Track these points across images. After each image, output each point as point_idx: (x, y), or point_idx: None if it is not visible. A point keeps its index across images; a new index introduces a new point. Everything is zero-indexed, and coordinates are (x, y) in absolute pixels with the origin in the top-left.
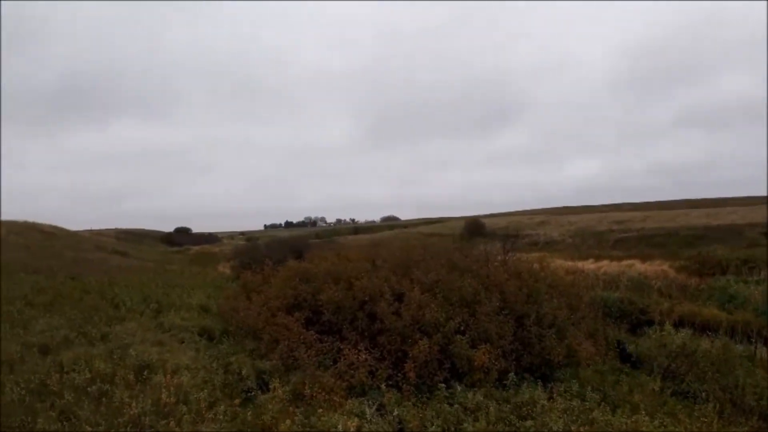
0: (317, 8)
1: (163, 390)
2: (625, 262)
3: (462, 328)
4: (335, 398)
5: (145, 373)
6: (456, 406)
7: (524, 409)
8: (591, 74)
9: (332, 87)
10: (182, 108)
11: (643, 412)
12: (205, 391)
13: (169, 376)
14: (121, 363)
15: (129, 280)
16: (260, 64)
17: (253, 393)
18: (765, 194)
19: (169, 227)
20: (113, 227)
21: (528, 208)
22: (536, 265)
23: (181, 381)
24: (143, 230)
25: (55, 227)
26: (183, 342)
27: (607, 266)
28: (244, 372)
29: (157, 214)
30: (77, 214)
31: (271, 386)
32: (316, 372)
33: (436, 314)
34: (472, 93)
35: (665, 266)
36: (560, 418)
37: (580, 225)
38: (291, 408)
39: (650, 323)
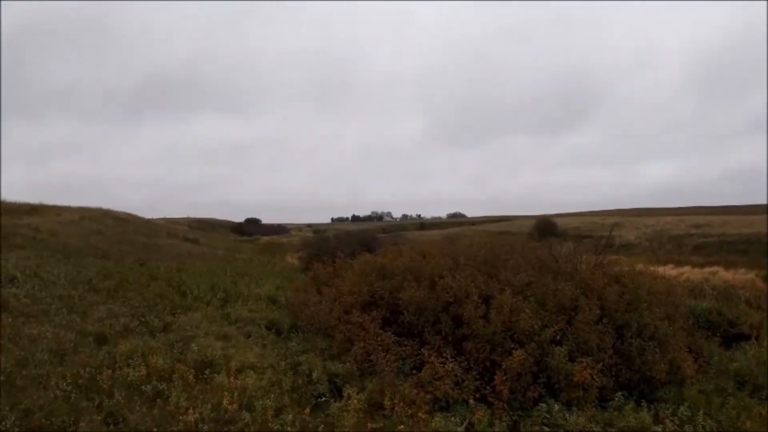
0: (394, 9)
1: (225, 393)
2: (707, 269)
3: (558, 337)
4: (419, 413)
5: (207, 372)
6: None
7: None
8: (668, 74)
9: (408, 86)
10: (259, 104)
11: None
12: (272, 395)
13: (232, 378)
14: (182, 358)
15: (198, 267)
16: (337, 64)
17: (324, 399)
18: None
19: (240, 218)
20: (187, 216)
21: (599, 209)
22: (636, 268)
23: (245, 383)
24: (215, 220)
25: (130, 214)
26: (249, 336)
27: (689, 272)
28: (314, 375)
29: (230, 205)
30: (156, 205)
31: (344, 393)
32: (395, 380)
33: (530, 321)
34: (548, 91)
35: (752, 275)
36: None
37: (657, 228)
38: (368, 421)
39: (741, 336)
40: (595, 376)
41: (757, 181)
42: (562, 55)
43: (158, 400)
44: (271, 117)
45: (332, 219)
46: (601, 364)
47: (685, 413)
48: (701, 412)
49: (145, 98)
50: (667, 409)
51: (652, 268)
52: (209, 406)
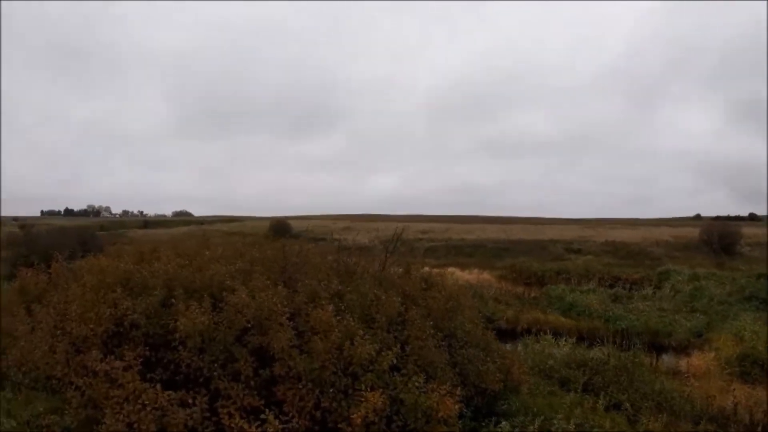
0: None
1: None
2: (445, 270)
3: (394, 361)
4: None
5: None
6: None
7: None
8: (409, 97)
9: (156, 64)
10: None
11: None
12: None
13: None
14: None
15: None
16: (83, 27)
17: None
18: (545, 216)
19: None
20: None
21: (326, 213)
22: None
23: None
24: None
25: None
26: None
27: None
28: None
29: None
30: None
31: None
32: None
33: (366, 346)
34: (298, 97)
35: (485, 274)
36: None
37: (386, 232)
38: None
39: (500, 331)
40: (457, 406)
41: (472, 195)
42: (319, 65)
43: None
44: None
45: (42, 212)
46: (458, 388)
47: (562, 426)
48: (572, 422)
49: None
50: (530, 425)
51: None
52: None
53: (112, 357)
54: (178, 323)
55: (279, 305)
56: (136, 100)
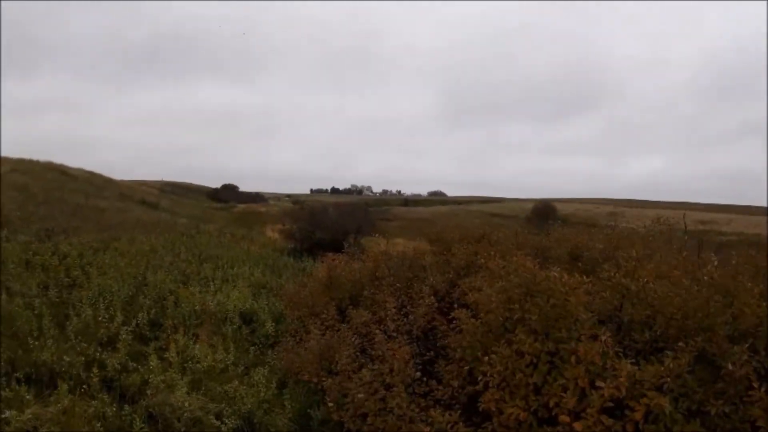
0: None
1: None
2: None
3: None
4: None
5: None
6: None
7: None
8: (679, 77)
9: (421, 62)
10: (266, 72)
11: None
12: None
13: None
14: None
15: (135, 245)
16: (359, 34)
17: None
18: None
19: (218, 184)
20: (161, 179)
21: (581, 196)
22: None
23: None
24: (190, 184)
25: (89, 172)
26: None
27: None
28: None
29: (211, 171)
30: (136, 167)
31: None
32: None
33: None
34: (558, 81)
35: None
36: None
37: (661, 221)
38: None
39: None
40: None
41: (743, 182)
42: (580, 49)
43: None
44: (276, 84)
45: (311, 190)
46: None
47: None
48: None
49: (147, 55)
50: None
51: None
52: None
53: None
54: None
55: None
56: (403, 95)
